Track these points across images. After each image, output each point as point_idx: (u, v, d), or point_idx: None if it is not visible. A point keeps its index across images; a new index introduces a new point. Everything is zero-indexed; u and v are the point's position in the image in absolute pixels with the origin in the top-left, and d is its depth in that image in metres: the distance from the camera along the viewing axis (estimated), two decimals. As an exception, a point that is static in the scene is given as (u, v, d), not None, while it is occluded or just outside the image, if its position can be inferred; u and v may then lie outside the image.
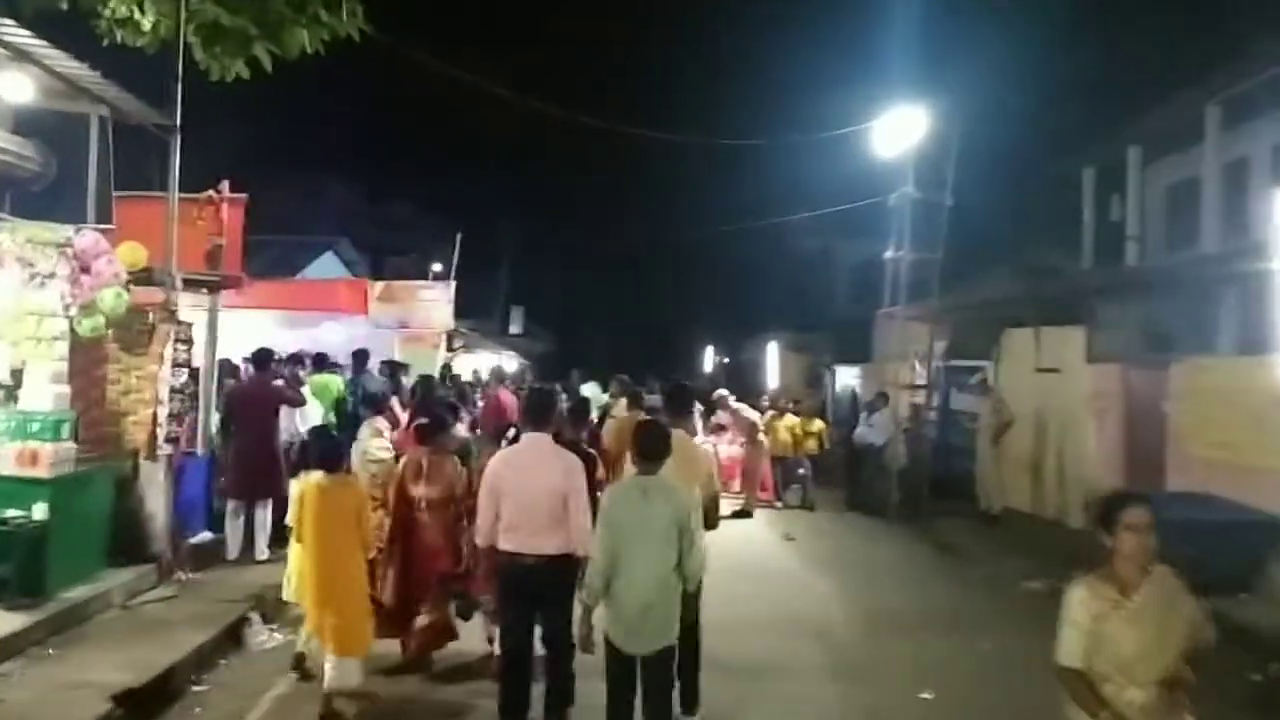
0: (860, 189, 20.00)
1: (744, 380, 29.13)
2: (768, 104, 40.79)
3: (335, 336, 14.27)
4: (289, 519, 5.87)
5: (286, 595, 6.34)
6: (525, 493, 5.03)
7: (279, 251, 20.41)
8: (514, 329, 33.90)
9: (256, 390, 8.87)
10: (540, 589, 5.06)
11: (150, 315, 7.75)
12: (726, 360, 40.45)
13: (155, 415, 7.63)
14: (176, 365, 7.69)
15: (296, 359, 9.93)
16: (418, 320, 15.85)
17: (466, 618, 6.42)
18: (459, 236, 18.16)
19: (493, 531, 5.09)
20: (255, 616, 7.10)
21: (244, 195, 9.55)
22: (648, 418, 5.79)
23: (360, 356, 11.89)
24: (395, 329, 15.49)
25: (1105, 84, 15.86)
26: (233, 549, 8.60)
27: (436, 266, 21.88)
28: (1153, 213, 16.16)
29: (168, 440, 7.69)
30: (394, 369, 12.34)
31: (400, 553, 6.24)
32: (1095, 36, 16.14)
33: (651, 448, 4.69)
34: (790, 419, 14.91)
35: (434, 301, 16.21)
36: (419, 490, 6.21)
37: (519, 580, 5.06)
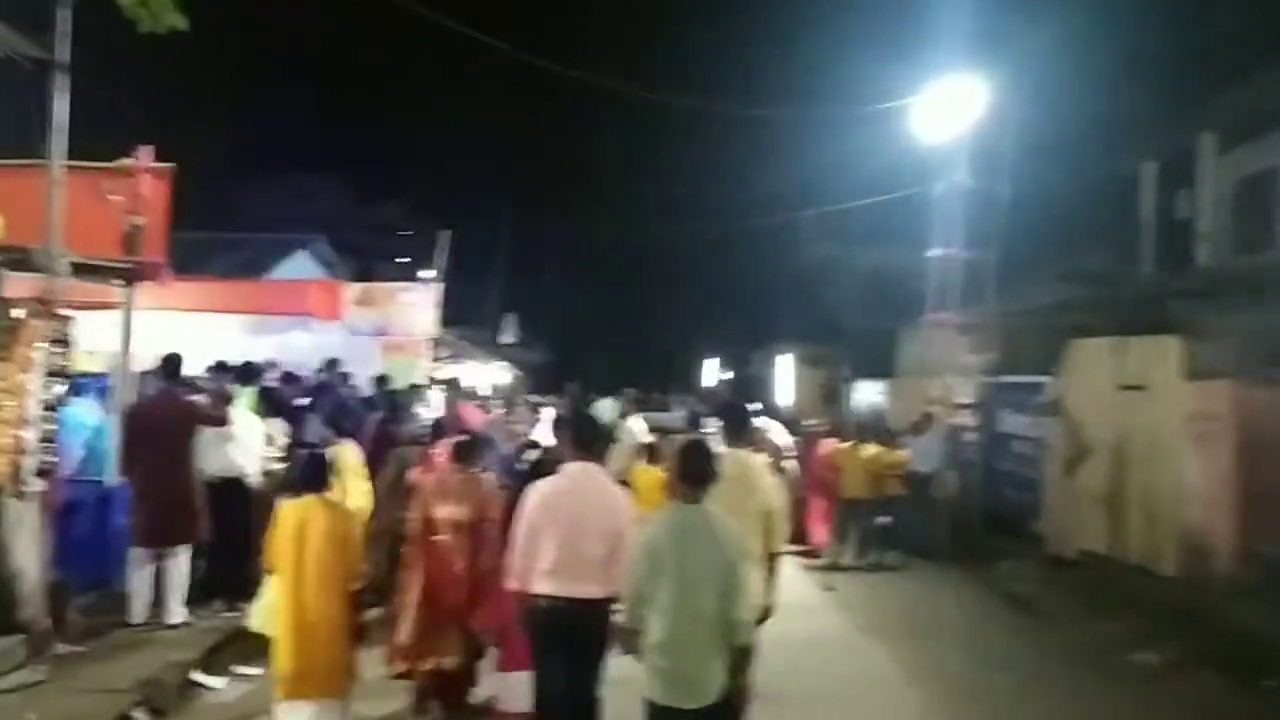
0: (878, 188, 18.39)
1: (751, 397, 27.32)
2: (778, 93, 39.07)
3: (305, 344, 12.84)
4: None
5: (253, 624, 5.50)
6: (575, 531, 4.56)
7: (249, 252, 18.81)
8: (506, 338, 32.02)
9: (164, 407, 6.92)
10: (579, 637, 4.59)
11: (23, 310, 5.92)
12: (730, 375, 38.52)
13: (20, 439, 5.76)
14: (51, 374, 5.85)
15: (222, 368, 8.07)
16: (398, 326, 14.58)
17: (478, 657, 5.79)
18: (447, 234, 16.66)
19: (529, 573, 4.58)
20: (140, 717, 5.27)
21: (168, 165, 7.78)
22: (695, 437, 4.94)
23: (332, 366, 10.53)
24: (373, 336, 14.11)
25: (1174, 63, 14.12)
26: (137, 610, 6.76)
27: (425, 273, 20.32)
28: (1220, 209, 14.46)
29: (39, 473, 5.84)
30: (381, 382, 11.06)
31: (418, 582, 5.73)
32: (1164, 6, 14.38)
33: (697, 471, 4.15)
34: (868, 449, 11.74)
35: (416, 305, 14.77)
36: (445, 511, 5.70)
37: (558, 627, 4.58)
